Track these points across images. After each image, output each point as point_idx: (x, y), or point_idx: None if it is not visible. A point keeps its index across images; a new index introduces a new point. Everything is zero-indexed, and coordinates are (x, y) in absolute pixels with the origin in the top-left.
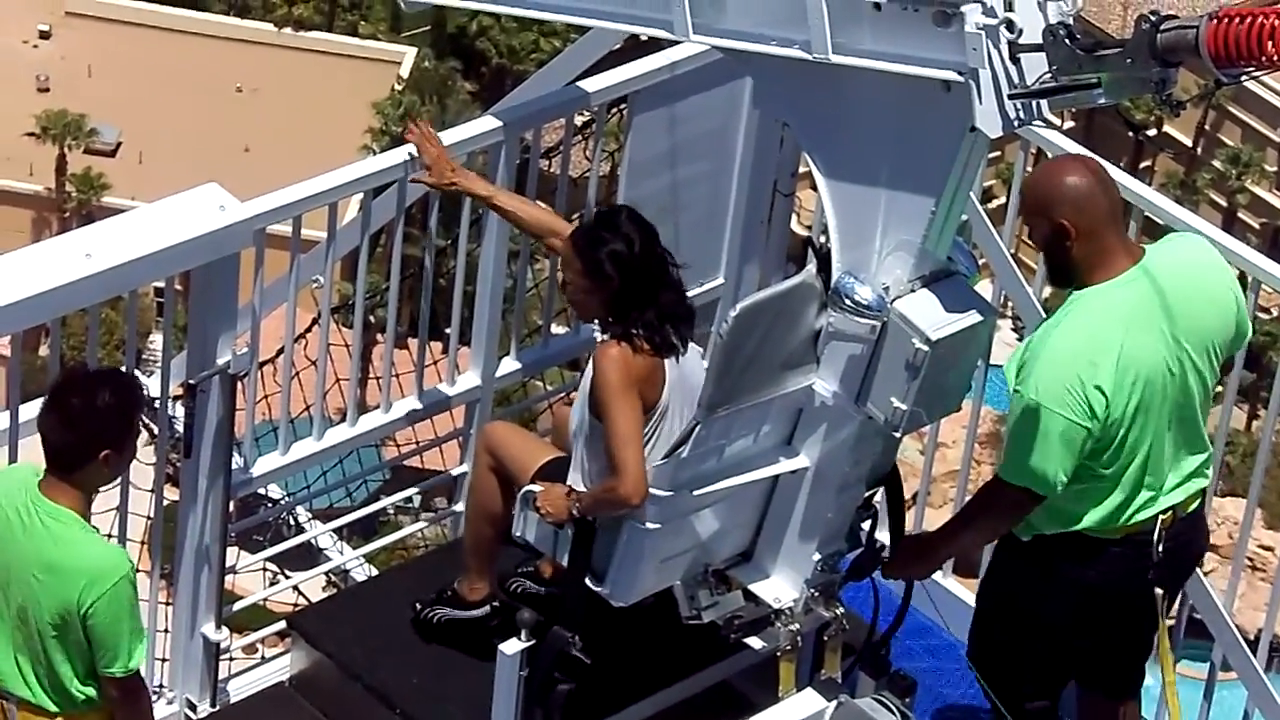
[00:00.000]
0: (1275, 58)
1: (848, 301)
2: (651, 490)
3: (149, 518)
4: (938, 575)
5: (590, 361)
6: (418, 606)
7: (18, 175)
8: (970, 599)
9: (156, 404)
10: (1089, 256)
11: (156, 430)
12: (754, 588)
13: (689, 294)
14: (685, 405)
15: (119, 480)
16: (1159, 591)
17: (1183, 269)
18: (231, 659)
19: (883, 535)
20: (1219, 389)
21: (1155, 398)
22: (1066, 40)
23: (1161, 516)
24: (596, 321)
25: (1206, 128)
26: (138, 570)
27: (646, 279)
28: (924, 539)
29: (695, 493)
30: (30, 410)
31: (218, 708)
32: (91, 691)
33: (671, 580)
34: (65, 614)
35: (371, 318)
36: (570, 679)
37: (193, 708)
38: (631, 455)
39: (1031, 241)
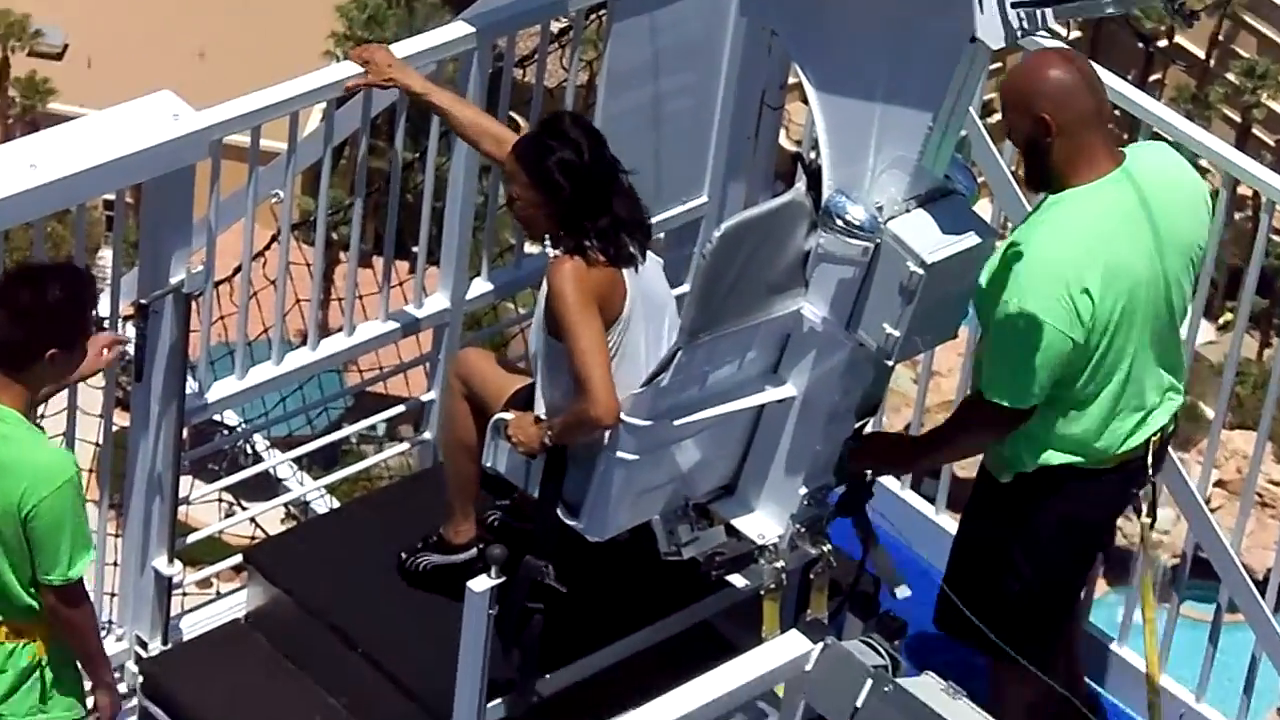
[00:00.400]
0: None
1: (838, 221)
2: (628, 419)
3: (97, 444)
4: (896, 487)
5: (545, 279)
6: (403, 556)
7: None
8: (934, 515)
9: (106, 324)
10: (1070, 156)
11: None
12: (737, 523)
13: (671, 213)
14: (648, 319)
15: (66, 404)
16: (1147, 520)
17: (1162, 175)
18: (184, 594)
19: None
20: (1229, 316)
21: (1138, 309)
22: None
23: (1152, 439)
24: (547, 238)
25: (1220, 39)
26: (86, 500)
27: (598, 186)
28: (897, 439)
29: (675, 422)
30: None
31: (169, 645)
32: (33, 601)
33: (649, 514)
34: (5, 515)
35: (334, 235)
36: (543, 611)
37: (143, 645)
38: (598, 373)
39: (1012, 141)
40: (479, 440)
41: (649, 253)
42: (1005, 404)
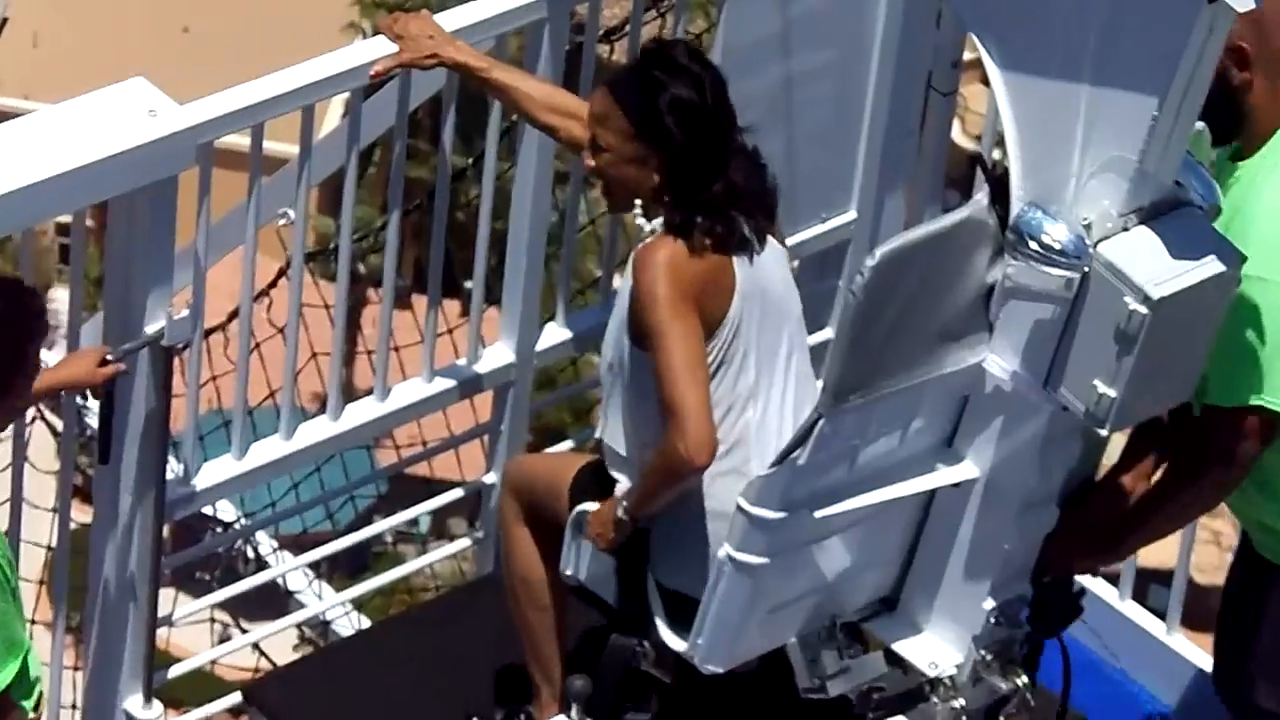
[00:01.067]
0: None
1: (1033, 244)
2: (755, 511)
3: (49, 548)
4: (1113, 597)
5: (631, 266)
6: None
7: None
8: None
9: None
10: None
11: (60, 426)
12: (899, 648)
13: (809, 233)
14: (762, 325)
15: (7, 492)
16: None
17: None
18: None
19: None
20: None
21: None
22: None
23: None
24: (639, 206)
25: None
26: (33, 621)
27: (719, 140)
28: (1097, 514)
29: (817, 514)
30: None
31: None
32: None
33: (785, 638)
34: None
35: (362, 267)
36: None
37: None
38: (692, 398)
39: None
40: (552, 577)
41: (769, 238)
42: (1270, 405)
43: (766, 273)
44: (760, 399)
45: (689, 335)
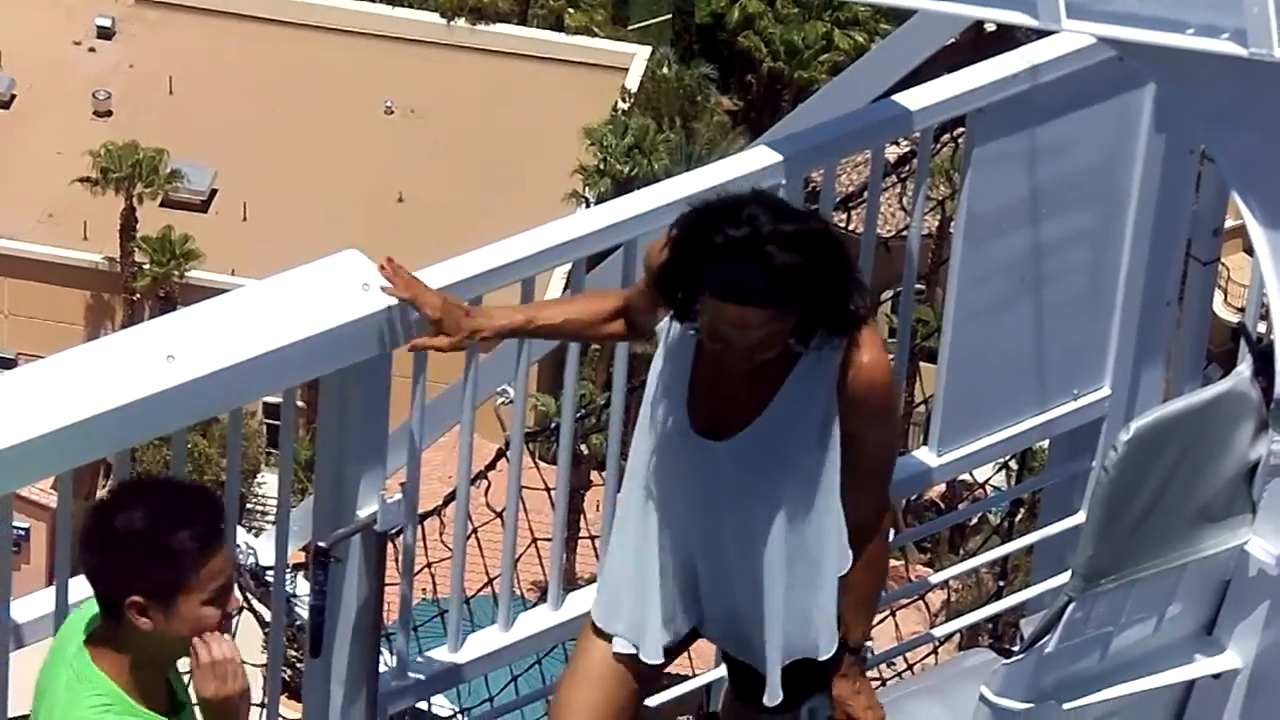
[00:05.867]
0: None
1: None
2: (999, 701)
3: None
4: None
5: (853, 366)
6: None
7: (67, 240)
8: None
9: (268, 576)
10: None
11: (269, 616)
12: None
13: (1060, 411)
14: None
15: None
16: None
17: None
18: None
19: None
20: None
21: None
22: None
23: None
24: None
25: None
26: None
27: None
28: None
29: (1065, 705)
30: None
31: None
32: None
33: None
34: None
35: (584, 447)
36: None
37: None
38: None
39: None
40: None
41: None
42: None
43: None
44: None
45: None
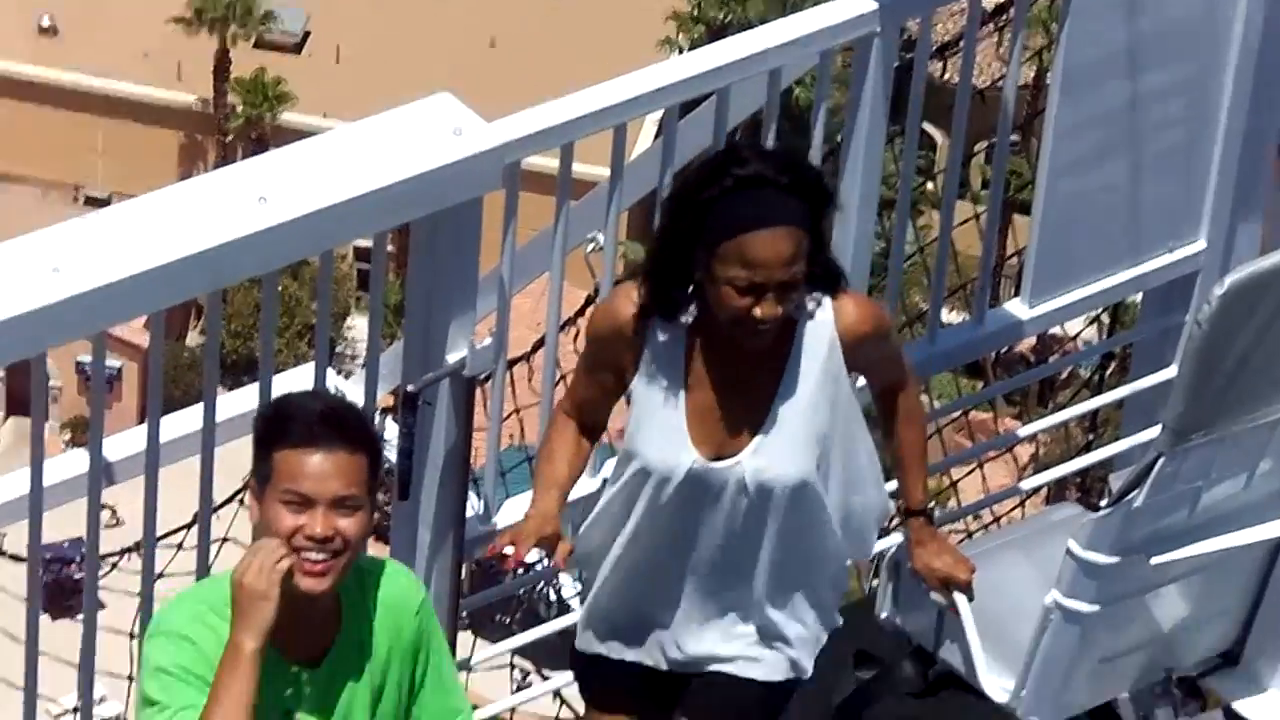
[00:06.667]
0: None
1: None
2: (1086, 556)
3: None
4: None
5: (843, 325)
6: None
7: (161, 80)
8: None
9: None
10: None
11: None
12: (1241, 707)
13: (1154, 265)
14: None
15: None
16: None
17: None
18: None
19: None
20: None
21: None
22: None
23: None
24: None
25: None
26: None
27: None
28: None
29: (1153, 560)
30: (174, 420)
31: None
32: None
33: (1115, 692)
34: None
35: None
36: None
37: None
38: None
39: None
40: None
41: None
42: None
43: None
44: None
45: None
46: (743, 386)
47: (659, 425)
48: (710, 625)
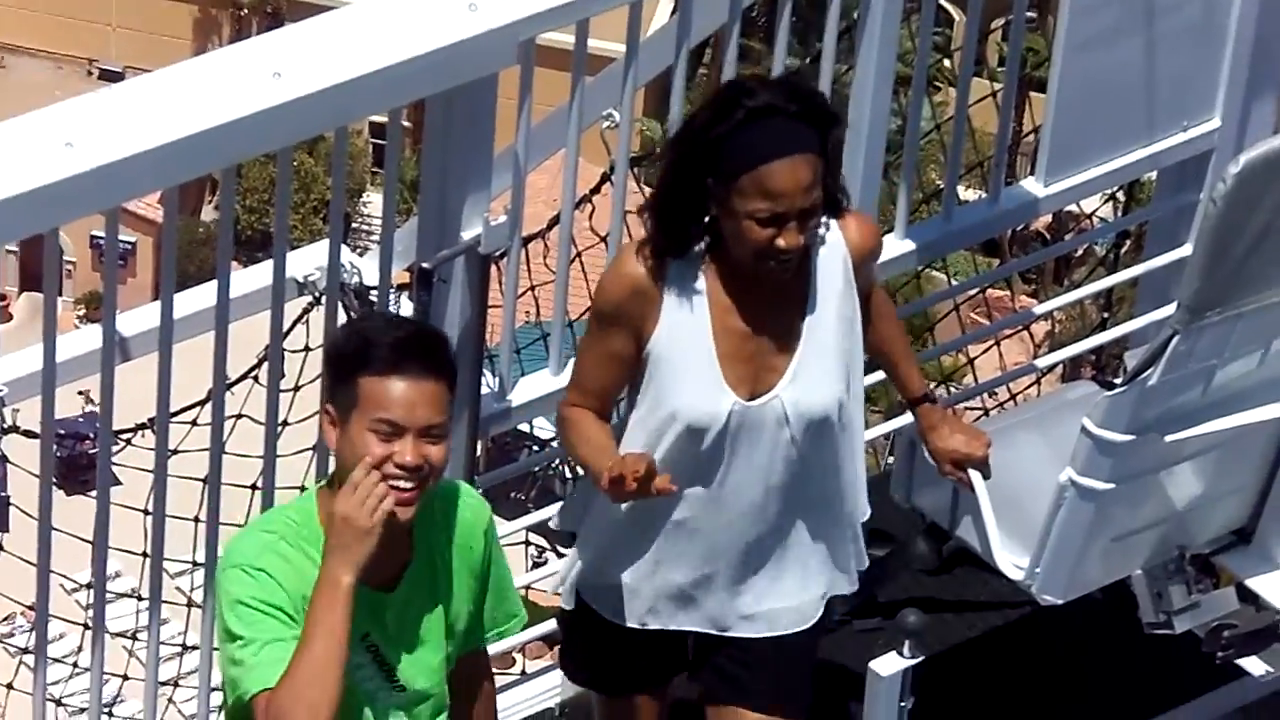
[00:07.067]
0: None
1: None
2: (1101, 433)
3: None
4: None
5: (854, 255)
6: None
7: None
8: None
9: (372, 296)
10: None
11: None
12: (1254, 584)
13: (1167, 143)
14: None
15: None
16: None
17: None
18: None
19: None
20: None
21: None
22: None
23: None
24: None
25: None
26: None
27: None
28: None
29: (1168, 438)
30: (188, 296)
31: None
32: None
33: (1129, 569)
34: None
35: None
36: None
37: None
38: None
39: None
40: None
41: None
42: None
43: None
44: None
45: None
46: (768, 321)
47: (692, 374)
48: (764, 574)
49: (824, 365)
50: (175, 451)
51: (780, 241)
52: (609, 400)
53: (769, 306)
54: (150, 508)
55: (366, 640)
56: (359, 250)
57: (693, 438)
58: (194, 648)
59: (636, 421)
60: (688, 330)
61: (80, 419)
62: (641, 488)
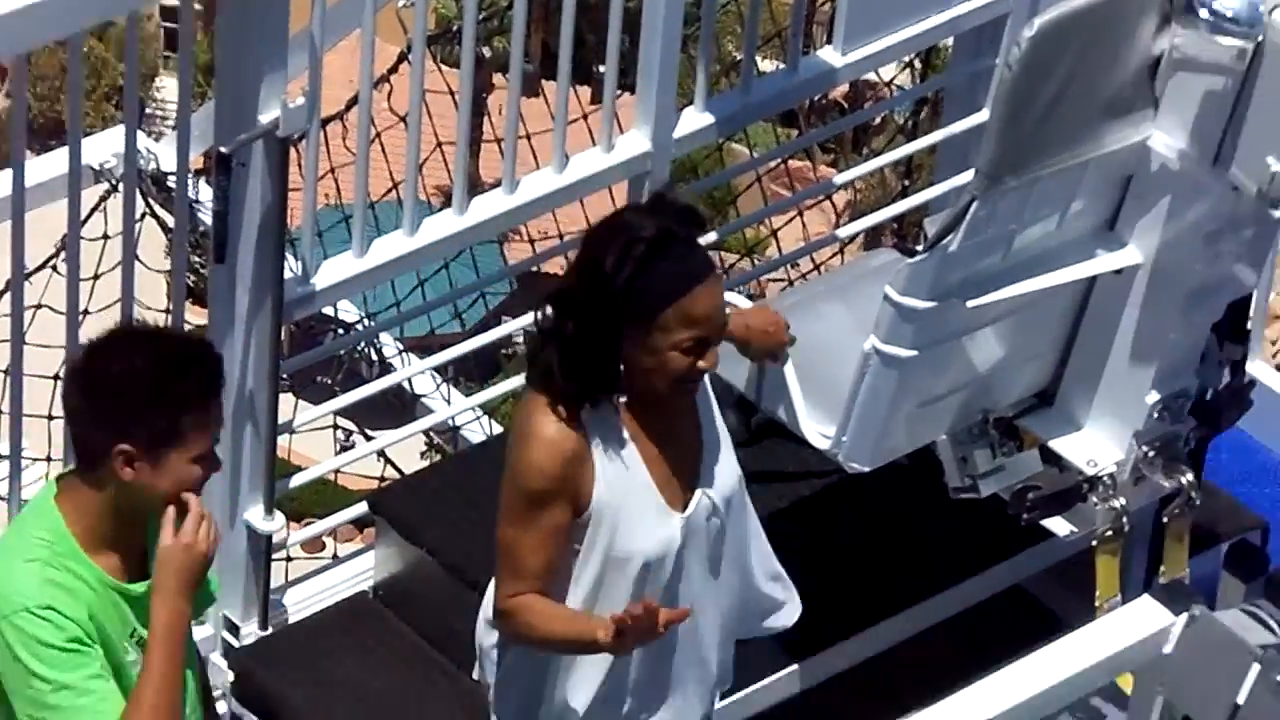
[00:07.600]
0: None
1: (1204, 12)
2: (903, 300)
3: None
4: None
5: None
6: None
7: None
8: None
9: (170, 182)
10: None
11: (172, 223)
12: (1056, 445)
13: (961, 9)
14: None
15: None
16: None
17: None
18: (289, 559)
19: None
20: None
21: None
22: None
23: None
24: None
25: None
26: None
27: None
28: None
29: (969, 303)
30: None
31: (269, 630)
32: None
33: (934, 435)
34: None
35: (487, 50)
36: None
37: (234, 630)
38: None
39: None
40: None
41: None
42: None
43: None
44: None
45: None
46: (674, 430)
47: (639, 514)
48: (719, 649)
49: (722, 441)
50: None
51: (701, 364)
52: (553, 577)
53: (672, 416)
54: None
55: (135, 637)
56: (155, 136)
57: (653, 569)
58: None
59: (580, 565)
60: (624, 475)
61: None
62: (654, 629)
